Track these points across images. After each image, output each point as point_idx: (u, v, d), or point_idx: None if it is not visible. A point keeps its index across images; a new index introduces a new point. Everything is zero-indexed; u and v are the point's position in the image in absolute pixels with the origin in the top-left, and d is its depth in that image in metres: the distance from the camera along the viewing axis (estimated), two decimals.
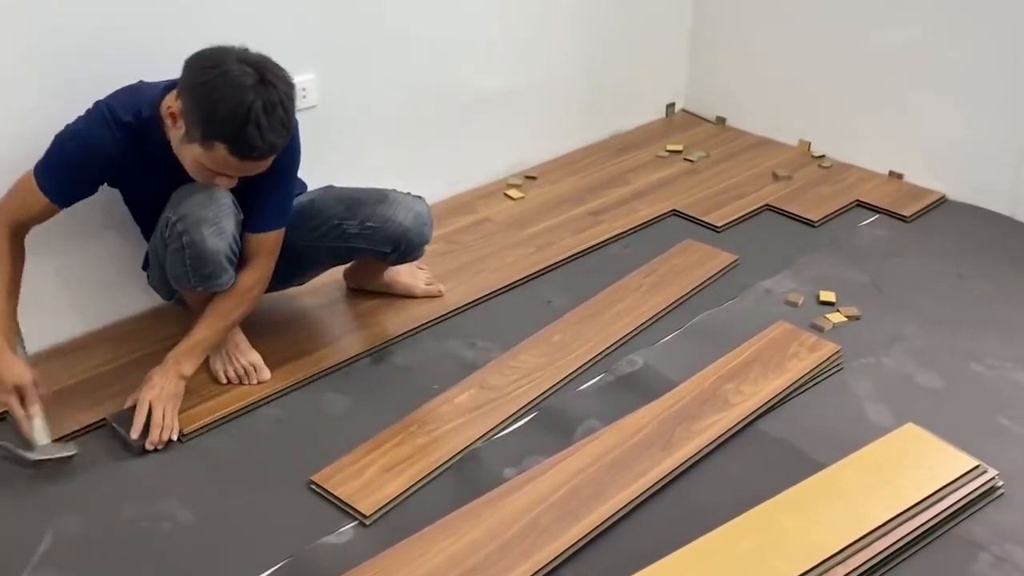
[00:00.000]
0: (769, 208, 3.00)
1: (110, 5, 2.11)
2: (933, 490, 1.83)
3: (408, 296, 2.49)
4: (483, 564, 1.73)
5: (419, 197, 2.32)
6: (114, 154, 1.95)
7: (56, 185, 1.96)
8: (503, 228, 2.84)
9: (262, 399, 2.16)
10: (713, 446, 2.02)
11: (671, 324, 2.44)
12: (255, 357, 2.20)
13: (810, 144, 3.35)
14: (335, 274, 2.49)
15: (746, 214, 2.96)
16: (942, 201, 3.04)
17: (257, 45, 2.36)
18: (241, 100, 1.78)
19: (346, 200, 2.25)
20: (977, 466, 1.90)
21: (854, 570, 1.70)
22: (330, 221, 2.22)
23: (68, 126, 1.96)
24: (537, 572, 1.72)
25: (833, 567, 1.70)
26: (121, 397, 2.11)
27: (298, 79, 2.44)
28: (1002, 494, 1.91)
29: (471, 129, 2.98)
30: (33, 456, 1.92)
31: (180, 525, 1.85)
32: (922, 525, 1.79)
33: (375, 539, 1.81)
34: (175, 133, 1.89)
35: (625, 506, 1.87)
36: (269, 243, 2.11)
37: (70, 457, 1.95)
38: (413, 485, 1.93)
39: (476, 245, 2.72)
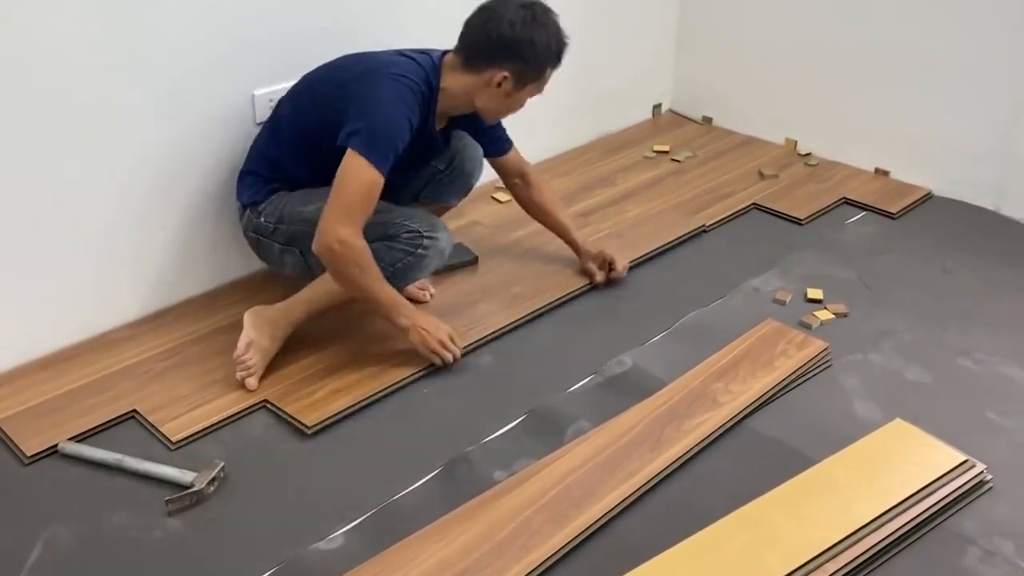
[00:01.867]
0: (756, 207, 3.01)
1: None
2: (922, 485, 1.84)
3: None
4: (475, 567, 1.73)
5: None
6: (417, 124, 2.15)
7: (387, 161, 2.08)
8: (491, 231, 2.85)
9: (250, 407, 2.15)
10: (703, 444, 2.02)
11: (660, 324, 2.44)
12: (262, 366, 2.22)
13: (796, 143, 3.37)
14: None
15: (733, 213, 2.97)
16: (928, 197, 3.05)
17: (243, 50, 2.38)
18: (548, 31, 2.16)
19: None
20: (966, 460, 1.91)
21: (845, 565, 1.71)
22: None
23: (378, 99, 2.09)
24: (529, 573, 1.72)
25: (824, 563, 1.71)
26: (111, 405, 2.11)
27: (284, 85, 2.47)
28: (991, 488, 1.92)
29: None
30: (197, 487, 1.91)
31: (170, 533, 1.85)
32: (912, 520, 1.80)
33: (366, 544, 1.81)
34: (494, 96, 2.20)
35: (616, 506, 1.87)
36: (519, 158, 2.54)
37: (222, 468, 1.96)
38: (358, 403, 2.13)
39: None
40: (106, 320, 2.39)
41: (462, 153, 2.46)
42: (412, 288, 2.48)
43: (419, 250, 2.20)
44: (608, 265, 2.60)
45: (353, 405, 2.15)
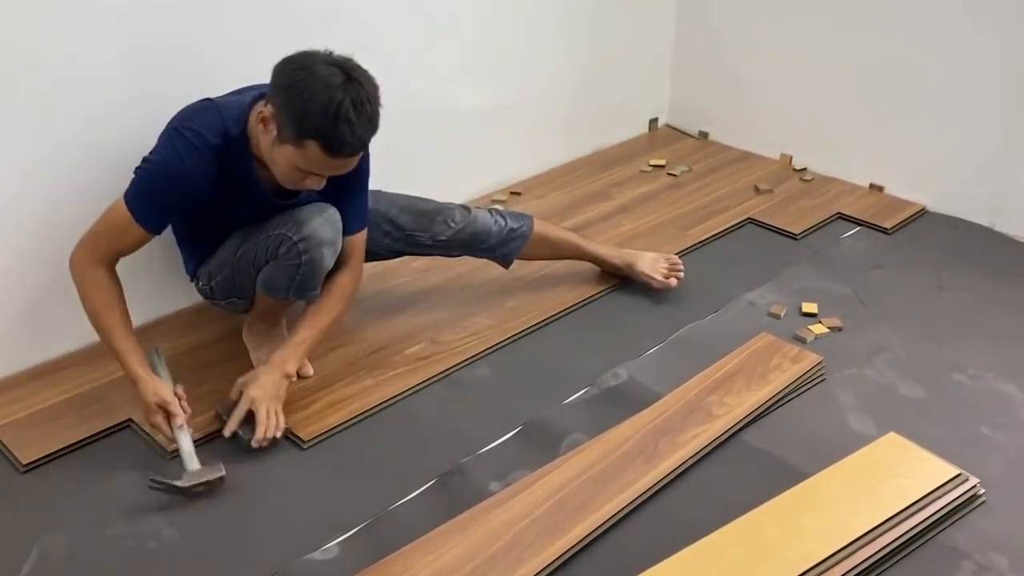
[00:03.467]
0: (751, 221, 3.03)
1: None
2: (915, 498, 1.84)
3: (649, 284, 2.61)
4: None
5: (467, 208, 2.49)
6: (206, 178, 1.97)
7: (152, 215, 1.98)
8: None
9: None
10: (697, 458, 2.03)
11: (655, 337, 2.45)
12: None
13: (792, 158, 3.38)
14: None
15: (729, 227, 2.98)
16: (922, 213, 3.06)
17: (230, 61, 2.39)
18: (331, 98, 1.81)
19: (411, 211, 2.42)
20: (959, 474, 1.91)
21: None
22: (402, 230, 2.40)
23: (155, 155, 1.98)
24: None
25: None
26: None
27: None
28: (984, 502, 1.92)
29: (456, 146, 3.00)
30: (182, 483, 1.92)
31: (165, 543, 1.85)
32: (905, 533, 1.80)
33: (360, 555, 1.81)
34: (265, 138, 1.93)
35: (610, 519, 1.87)
36: (359, 243, 2.23)
37: (220, 479, 1.95)
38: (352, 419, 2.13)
39: (461, 262, 2.71)
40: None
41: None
42: (663, 281, 2.57)
43: (304, 256, 2.05)
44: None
45: (348, 420, 2.15)
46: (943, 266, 2.78)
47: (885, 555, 1.77)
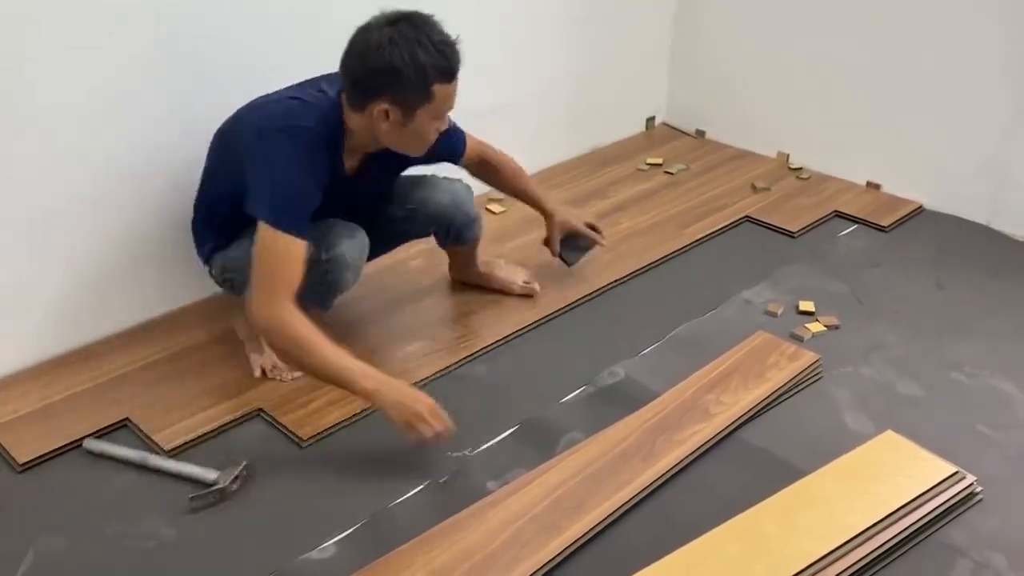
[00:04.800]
0: (749, 220, 3.03)
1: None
2: (912, 496, 1.84)
3: (505, 292, 2.58)
4: None
5: (457, 180, 2.42)
6: (327, 168, 2.02)
7: (303, 224, 1.95)
8: (485, 242, 2.84)
9: (244, 415, 2.16)
10: (695, 456, 2.03)
11: (652, 335, 2.45)
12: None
13: (788, 156, 3.39)
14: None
15: (726, 226, 2.98)
16: (919, 211, 3.07)
17: (228, 66, 2.38)
18: (419, 42, 1.91)
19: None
20: (956, 472, 1.92)
21: None
22: (374, 207, 2.31)
23: (275, 159, 1.94)
24: None
25: (815, 574, 1.71)
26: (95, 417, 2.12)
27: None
28: (981, 500, 1.92)
29: None
30: (221, 484, 1.93)
31: (164, 543, 1.85)
32: (902, 531, 1.81)
33: (358, 554, 1.81)
34: (390, 127, 1.98)
35: (607, 517, 1.87)
36: (477, 142, 2.45)
37: (245, 467, 1.98)
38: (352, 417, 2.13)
39: None
40: (98, 329, 2.39)
41: (444, 211, 2.34)
42: (524, 288, 2.55)
43: (327, 276, 2.09)
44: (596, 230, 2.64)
45: (348, 418, 2.15)
46: (940, 264, 2.78)
47: (882, 553, 1.77)
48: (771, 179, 3.26)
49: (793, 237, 2.93)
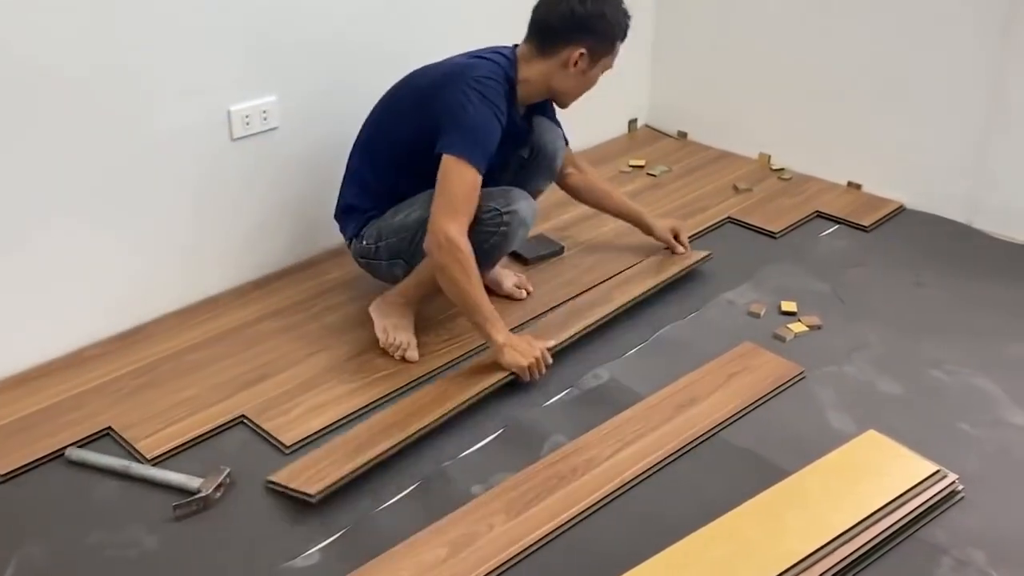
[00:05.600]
0: (731, 220, 3.04)
1: None
2: (895, 495, 1.85)
3: (494, 290, 2.57)
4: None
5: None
6: (506, 117, 2.23)
7: (484, 160, 2.16)
8: None
9: (227, 423, 2.15)
10: (677, 455, 2.04)
11: (635, 337, 2.46)
12: (412, 339, 2.36)
13: (770, 157, 3.40)
14: None
15: (708, 227, 2.99)
16: (900, 210, 3.08)
17: (219, 65, 2.39)
18: (610, 3, 2.28)
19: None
20: (938, 471, 1.93)
21: None
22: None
23: (467, 103, 2.15)
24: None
25: (799, 574, 1.72)
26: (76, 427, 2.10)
27: (259, 101, 2.48)
28: (962, 498, 1.94)
29: None
30: (204, 492, 1.93)
31: (146, 551, 1.84)
32: (885, 530, 1.81)
33: (341, 561, 1.81)
34: (570, 75, 2.29)
35: (586, 510, 1.89)
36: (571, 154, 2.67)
37: (228, 474, 1.98)
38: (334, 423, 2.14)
39: None
40: (79, 338, 2.38)
41: (543, 137, 2.51)
42: (511, 288, 2.58)
43: (502, 228, 2.26)
44: (677, 236, 2.75)
45: (331, 424, 2.15)
46: (921, 263, 2.79)
47: (865, 552, 1.78)
48: (753, 180, 3.28)
49: (775, 238, 2.94)
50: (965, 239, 2.93)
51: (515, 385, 2.28)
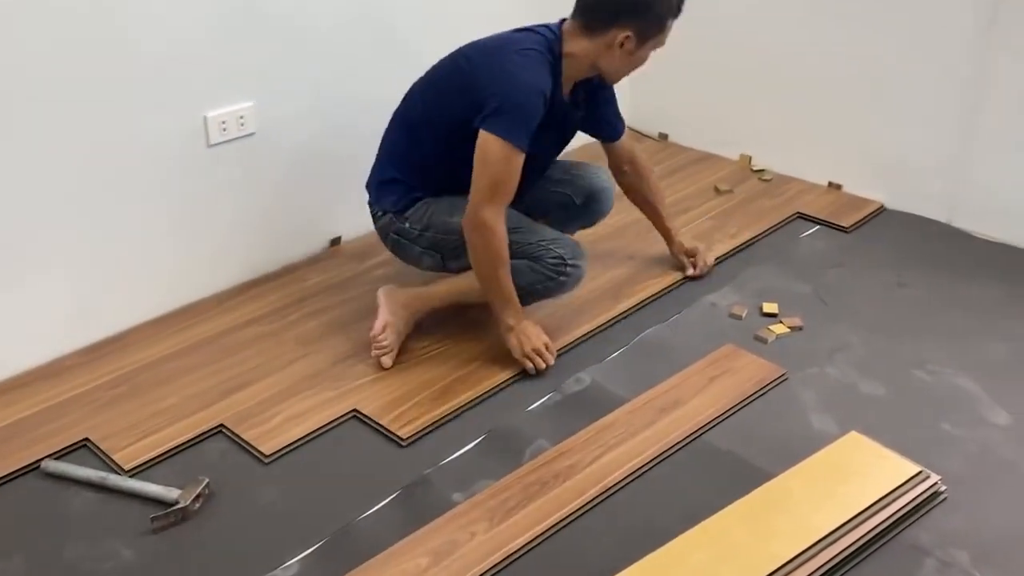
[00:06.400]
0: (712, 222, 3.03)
1: None
2: (877, 497, 1.85)
3: None
4: None
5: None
6: (550, 91, 2.18)
7: (526, 137, 2.12)
8: None
9: (205, 432, 2.13)
10: (660, 459, 2.03)
11: (617, 340, 2.45)
12: (394, 343, 2.33)
13: (751, 158, 3.40)
14: None
15: (690, 229, 2.98)
16: (880, 210, 3.09)
17: (195, 71, 2.37)
18: None
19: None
20: (920, 472, 1.92)
21: None
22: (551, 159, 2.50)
23: (510, 79, 2.11)
24: None
25: None
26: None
27: (236, 107, 2.46)
28: (945, 498, 1.93)
29: None
30: (183, 504, 1.90)
31: (124, 564, 1.82)
32: (868, 532, 1.81)
33: (322, 571, 1.79)
34: (621, 54, 2.21)
35: (569, 516, 1.89)
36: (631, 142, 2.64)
37: (207, 485, 1.95)
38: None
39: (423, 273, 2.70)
40: (55, 348, 2.35)
41: (598, 191, 2.54)
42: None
43: (561, 277, 2.29)
44: (694, 258, 2.72)
45: (310, 434, 2.13)
46: (902, 263, 2.80)
47: (849, 555, 1.78)
48: (734, 181, 3.27)
49: (757, 239, 2.93)
50: (945, 238, 2.94)
51: (496, 389, 2.27)
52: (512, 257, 2.22)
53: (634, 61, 2.27)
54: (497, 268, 2.19)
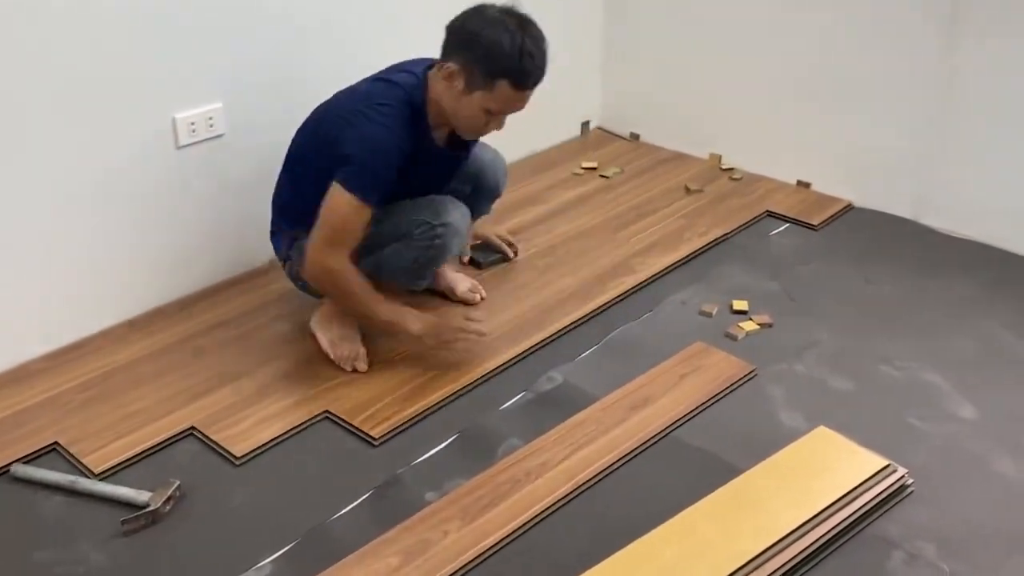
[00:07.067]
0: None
1: None
2: (845, 491, 1.87)
3: (448, 296, 2.58)
4: None
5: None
6: (407, 148, 2.13)
7: (378, 193, 2.11)
8: None
9: (176, 435, 2.12)
10: (630, 456, 2.04)
11: (589, 338, 2.46)
12: (360, 348, 2.33)
13: (721, 157, 3.42)
14: None
15: (660, 228, 3.00)
16: (848, 208, 3.12)
17: (165, 73, 2.36)
18: (513, 39, 2.04)
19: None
20: (887, 465, 1.95)
21: (773, 573, 1.73)
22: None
23: (361, 138, 2.08)
24: None
25: (752, 571, 1.72)
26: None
27: (205, 108, 2.45)
28: (912, 492, 1.96)
29: None
30: (154, 506, 1.89)
31: (94, 569, 1.81)
32: (837, 526, 1.83)
33: (295, 572, 1.79)
34: (450, 93, 2.11)
35: (540, 513, 1.89)
36: None
37: (178, 487, 1.95)
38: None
39: None
40: (22, 352, 2.33)
41: (484, 169, 2.50)
42: (465, 292, 2.56)
43: (436, 240, 2.22)
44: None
45: (282, 435, 2.13)
46: (870, 260, 2.83)
47: (818, 548, 1.79)
48: (704, 180, 3.29)
49: (727, 237, 2.95)
50: (912, 235, 2.97)
51: (468, 388, 2.27)
52: (385, 246, 2.23)
53: (466, 106, 2.11)
54: (359, 299, 2.18)
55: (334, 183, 2.09)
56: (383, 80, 2.20)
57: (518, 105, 2.15)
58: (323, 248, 2.12)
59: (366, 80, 2.25)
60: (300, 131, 2.32)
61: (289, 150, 2.34)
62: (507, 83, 2.07)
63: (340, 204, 2.09)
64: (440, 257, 2.29)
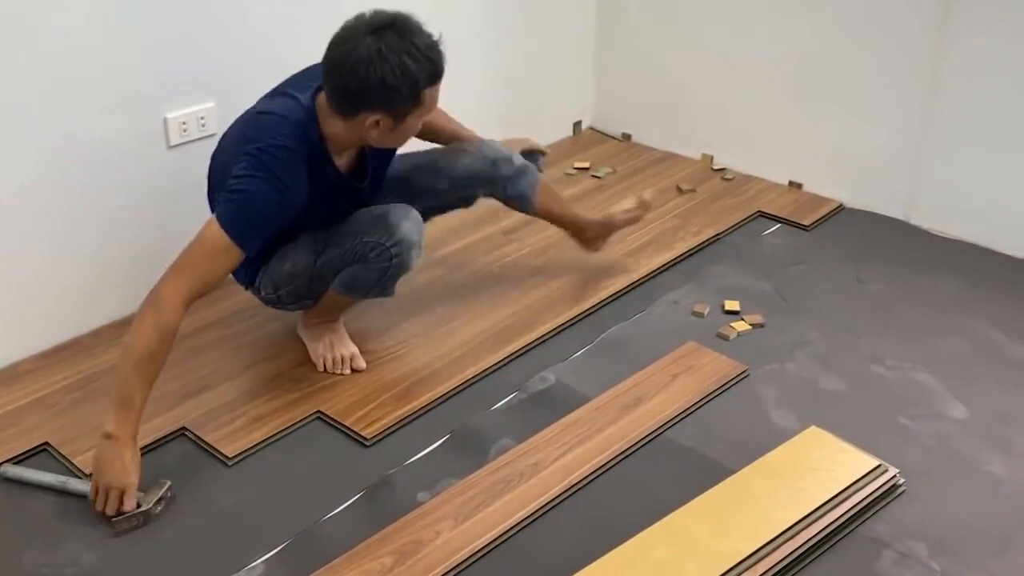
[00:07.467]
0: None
1: None
2: (837, 491, 1.88)
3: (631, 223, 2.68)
4: None
5: (482, 140, 2.54)
6: (304, 188, 2.02)
7: (254, 239, 1.98)
8: None
9: (167, 435, 2.11)
10: (622, 456, 2.04)
11: (581, 339, 2.46)
12: (353, 348, 2.31)
13: (712, 157, 3.43)
14: None
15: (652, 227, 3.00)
16: (840, 209, 3.12)
17: (155, 73, 2.35)
18: (411, 53, 1.93)
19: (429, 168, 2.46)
20: (879, 465, 1.95)
21: (765, 573, 1.73)
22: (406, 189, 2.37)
23: (250, 180, 1.95)
24: None
25: (744, 571, 1.73)
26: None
27: (196, 108, 2.44)
28: (903, 491, 1.96)
29: None
30: (146, 507, 1.89)
31: (85, 569, 1.80)
32: (828, 526, 1.83)
33: (287, 572, 1.78)
34: (379, 133, 2.02)
35: (533, 513, 1.90)
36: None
37: (169, 487, 1.94)
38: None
39: None
40: (13, 352, 2.33)
41: (477, 172, 2.44)
42: (627, 211, 2.62)
43: (394, 260, 2.15)
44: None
45: (274, 435, 2.12)
46: (861, 260, 2.83)
47: (809, 548, 1.80)
48: (696, 180, 3.30)
49: (719, 238, 2.96)
50: (903, 235, 2.98)
51: (460, 388, 2.27)
52: (342, 270, 2.18)
53: (402, 132, 2.06)
54: (134, 364, 1.87)
55: (212, 221, 1.94)
56: (268, 114, 2.05)
57: (438, 94, 2.07)
58: (172, 279, 1.92)
59: (250, 112, 2.12)
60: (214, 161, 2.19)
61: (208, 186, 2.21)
62: (429, 87, 2.00)
63: (210, 240, 1.93)
64: (402, 270, 2.19)
